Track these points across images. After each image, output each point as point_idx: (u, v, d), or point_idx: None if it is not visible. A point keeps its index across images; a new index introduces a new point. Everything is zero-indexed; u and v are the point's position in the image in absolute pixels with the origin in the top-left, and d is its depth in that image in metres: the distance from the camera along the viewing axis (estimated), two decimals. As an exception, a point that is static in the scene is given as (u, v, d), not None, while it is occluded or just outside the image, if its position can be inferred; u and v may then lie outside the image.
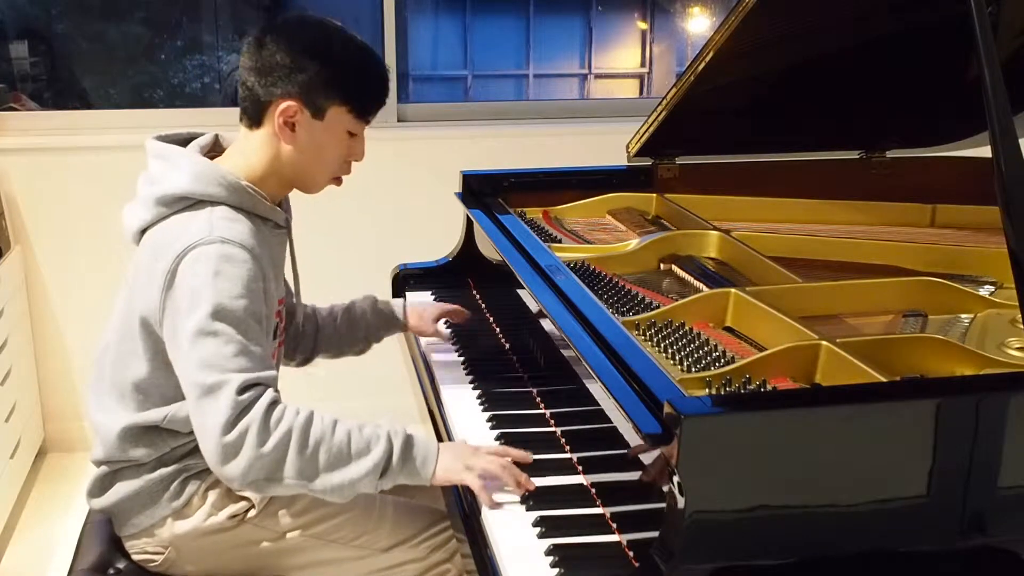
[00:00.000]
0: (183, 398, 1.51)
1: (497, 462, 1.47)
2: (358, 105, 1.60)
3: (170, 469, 1.61)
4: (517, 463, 1.48)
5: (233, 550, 1.64)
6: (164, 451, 1.60)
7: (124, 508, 1.63)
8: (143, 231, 1.60)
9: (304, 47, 1.56)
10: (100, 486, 1.65)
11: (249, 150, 1.62)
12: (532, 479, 1.45)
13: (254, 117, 1.60)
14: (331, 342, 1.98)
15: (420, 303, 2.08)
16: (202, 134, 1.69)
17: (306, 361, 2.00)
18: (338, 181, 1.68)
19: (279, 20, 1.62)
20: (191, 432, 1.55)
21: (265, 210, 1.61)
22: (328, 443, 1.44)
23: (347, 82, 1.59)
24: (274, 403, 1.45)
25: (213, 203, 1.56)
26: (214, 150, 1.68)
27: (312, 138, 1.59)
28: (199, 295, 1.47)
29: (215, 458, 1.43)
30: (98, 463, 1.66)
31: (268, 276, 1.57)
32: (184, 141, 1.67)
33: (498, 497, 1.43)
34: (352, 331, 1.99)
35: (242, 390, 1.43)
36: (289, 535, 1.65)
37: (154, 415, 1.57)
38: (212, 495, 1.62)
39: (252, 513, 1.63)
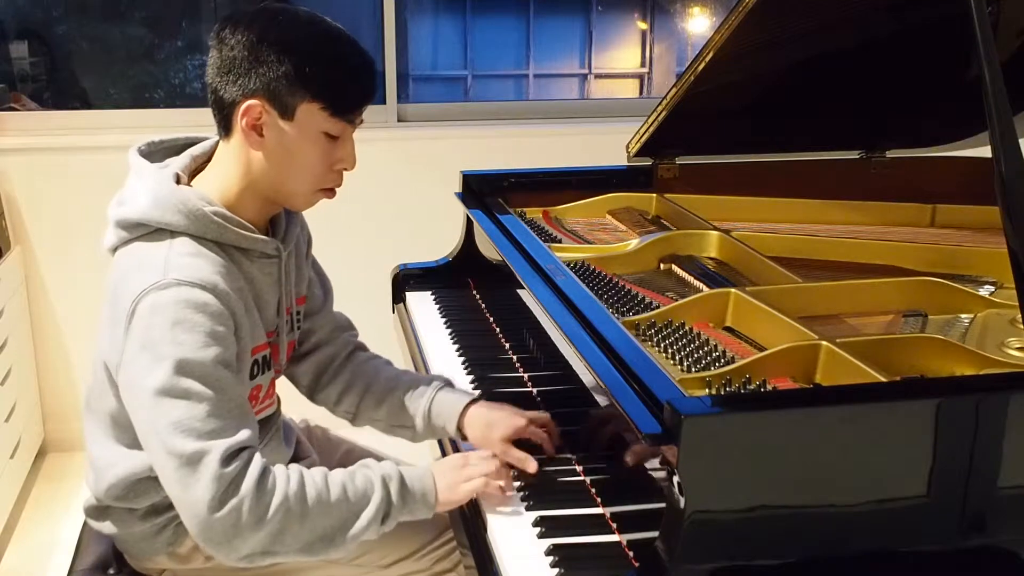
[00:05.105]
0: None
1: (492, 463, 1.44)
2: (331, 101, 1.38)
3: (162, 518, 1.51)
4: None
5: (231, 572, 1.53)
6: (156, 499, 1.49)
7: (119, 540, 1.58)
8: (114, 250, 1.47)
9: (263, 36, 1.36)
10: (95, 514, 1.58)
11: (224, 164, 1.45)
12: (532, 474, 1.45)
13: (223, 124, 1.43)
14: (379, 412, 1.66)
15: (491, 414, 1.55)
16: (205, 138, 1.54)
17: (354, 419, 1.70)
18: (329, 193, 1.47)
19: (240, 11, 1.42)
20: None
21: (235, 239, 1.42)
22: (326, 506, 1.34)
23: (314, 73, 1.37)
24: (264, 472, 1.31)
25: (174, 233, 1.39)
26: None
27: (282, 142, 1.39)
28: (158, 350, 1.30)
29: (202, 536, 1.30)
30: (91, 490, 1.56)
31: (238, 312, 1.40)
32: (181, 147, 1.53)
33: (499, 500, 1.42)
34: (403, 410, 1.64)
35: (227, 459, 1.29)
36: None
37: (140, 464, 1.45)
38: None
39: None
